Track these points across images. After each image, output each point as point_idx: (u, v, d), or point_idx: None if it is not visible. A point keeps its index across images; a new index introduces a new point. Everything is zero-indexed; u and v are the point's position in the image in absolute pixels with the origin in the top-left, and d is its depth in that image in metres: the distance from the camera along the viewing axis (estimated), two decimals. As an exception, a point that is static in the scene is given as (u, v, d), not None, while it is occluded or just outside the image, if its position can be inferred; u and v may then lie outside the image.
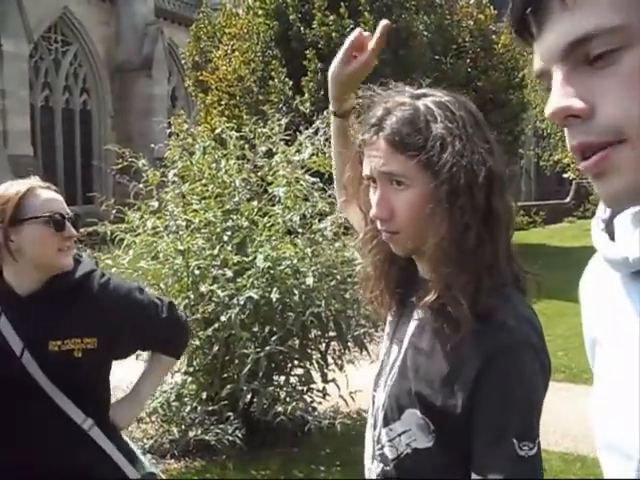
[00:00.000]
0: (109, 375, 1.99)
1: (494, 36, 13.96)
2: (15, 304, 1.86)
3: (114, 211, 5.09)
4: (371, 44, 1.39)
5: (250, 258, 4.45)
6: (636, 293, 0.72)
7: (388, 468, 1.28)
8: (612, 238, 0.75)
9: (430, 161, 1.16)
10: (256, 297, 4.24)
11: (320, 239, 4.64)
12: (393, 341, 1.35)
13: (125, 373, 2.69)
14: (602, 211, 0.78)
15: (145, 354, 3.51)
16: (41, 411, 1.81)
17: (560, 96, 0.62)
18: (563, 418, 4.29)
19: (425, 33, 11.94)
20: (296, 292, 4.38)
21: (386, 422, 1.28)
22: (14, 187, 1.85)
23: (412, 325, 1.29)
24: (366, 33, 1.41)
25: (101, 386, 1.95)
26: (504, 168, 1.25)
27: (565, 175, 23.01)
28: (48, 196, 1.86)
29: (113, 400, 2.01)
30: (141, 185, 5.01)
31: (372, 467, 1.33)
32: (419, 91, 1.25)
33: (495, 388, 1.14)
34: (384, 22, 1.37)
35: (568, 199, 25.09)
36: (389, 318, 1.40)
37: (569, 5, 0.60)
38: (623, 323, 0.73)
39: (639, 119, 0.58)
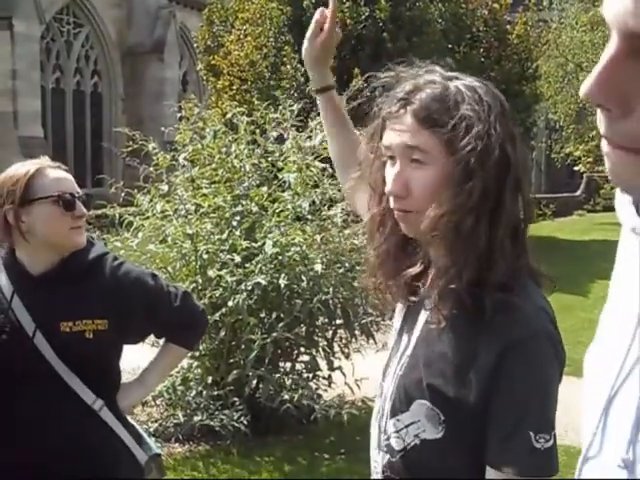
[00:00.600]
0: (120, 358, 2.00)
1: (508, 26, 13.84)
2: (27, 285, 1.87)
3: (123, 194, 5.08)
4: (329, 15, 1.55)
5: (259, 244, 4.43)
6: None
7: (394, 459, 1.26)
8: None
9: (453, 141, 1.15)
10: (264, 283, 4.22)
11: (329, 226, 4.61)
12: (403, 331, 1.33)
13: (141, 359, 2.67)
14: None
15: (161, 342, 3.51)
16: (52, 391, 1.82)
17: (601, 78, 0.57)
18: (568, 411, 4.24)
19: (439, 21, 11.85)
20: (304, 279, 4.36)
21: (394, 413, 1.27)
22: (24, 168, 1.86)
23: (423, 314, 1.27)
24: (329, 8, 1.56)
25: (112, 368, 1.96)
26: (524, 161, 1.23)
27: (576, 168, 22.90)
28: (57, 175, 1.87)
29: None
30: (151, 168, 4.98)
31: (378, 458, 1.31)
32: (449, 73, 1.24)
33: (512, 380, 1.13)
34: None
35: (579, 192, 24.95)
36: (398, 307, 1.38)
37: None
38: (633, 285, 0.73)
39: None
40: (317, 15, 1.58)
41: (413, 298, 1.31)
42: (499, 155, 1.15)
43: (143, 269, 2.07)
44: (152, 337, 2.28)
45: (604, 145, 0.61)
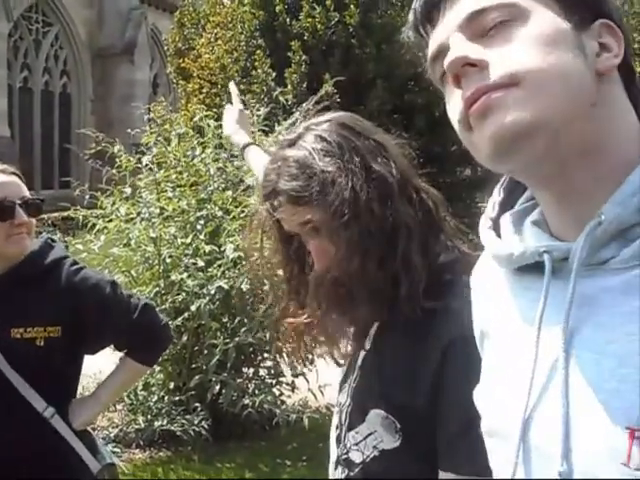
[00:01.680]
0: (77, 365, 1.95)
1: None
2: None
3: (88, 197, 5.02)
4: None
5: (222, 248, 4.40)
6: (520, 288, 0.75)
7: (352, 473, 1.25)
8: (499, 236, 0.78)
9: (325, 202, 1.17)
10: (226, 287, 4.19)
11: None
12: (354, 345, 1.32)
13: (104, 362, 2.63)
14: (490, 210, 0.81)
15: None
16: (2, 397, 1.78)
17: (458, 49, 0.68)
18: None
19: (410, 28, 11.90)
20: (267, 283, 4.33)
21: (351, 426, 1.26)
22: None
23: (373, 327, 1.27)
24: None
25: (66, 376, 1.91)
26: (408, 159, 1.26)
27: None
28: None
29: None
30: (114, 171, 4.93)
31: (336, 473, 1.30)
32: (294, 134, 1.26)
33: (456, 380, 1.12)
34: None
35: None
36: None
37: None
38: (508, 316, 0.76)
39: (530, 64, 0.65)
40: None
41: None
42: (369, 178, 1.17)
43: (102, 276, 2.00)
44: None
45: (477, 109, 0.66)
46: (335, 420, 1.34)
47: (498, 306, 0.79)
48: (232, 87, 2.19)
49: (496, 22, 0.68)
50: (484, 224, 0.80)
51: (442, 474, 1.14)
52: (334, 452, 1.32)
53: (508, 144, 0.66)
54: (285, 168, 1.22)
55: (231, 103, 2.10)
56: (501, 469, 0.76)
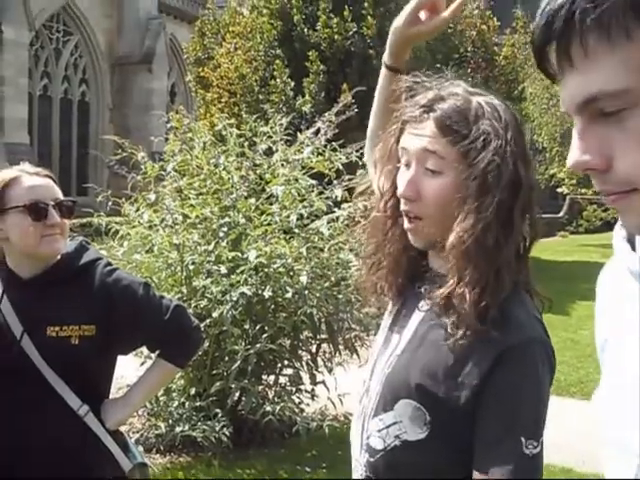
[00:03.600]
0: (112, 366, 1.98)
1: (496, 48, 13.99)
2: (17, 287, 1.87)
3: (110, 203, 5.07)
4: (447, 11, 1.41)
5: (245, 255, 4.44)
6: None
7: (373, 460, 1.27)
8: (633, 248, 0.78)
9: (470, 153, 1.18)
10: (249, 294, 4.22)
11: (315, 238, 4.62)
12: (393, 330, 1.34)
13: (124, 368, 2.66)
14: None
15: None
16: (38, 394, 1.81)
17: (579, 149, 0.66)
18: (548, 430, 4.30)
19: (427, 40, 11.95)
20: (289, 291, 4.37)
21: (377, 412, 1.27)
22: (1, 175, 1.86)
23: (416, 316, 1.29)
24: None
25: (100, 375, 1.94)
26: (534, 182, 1.26)
27: (559, 190, 23.06)
28: (33, 183, 1.85)
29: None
30: (138, 177, 4.98)
31: (359, 458, 1.31)
32: (473, 89, 1.27)
33: (506, 385, 1.15)
34: None
35: (561, 214, 25.14)
36: (389, 308, 1.40)
37: (577, 67, 0.63)
38: (632, 330, 0.75)
39: None
40: None
41: (405, 299, 1.34)
42: (512, 173, 1.18)
43: (135, 278, 2.02)
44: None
45: (607, 200, 0.68)
46: (361, 404, 1.35)
47: (625, 319, 0.79)
48: None
49: (611, 110, 0.63)
50: (619, 233, 0.80)
51: (476, 474, 1.16)
52: (357, 436, 1.33)
53: None
54: (452, 99, 1.22)
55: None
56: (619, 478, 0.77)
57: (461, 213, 1.18)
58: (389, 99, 1.44)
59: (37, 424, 1.81)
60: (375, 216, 1.35)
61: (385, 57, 1.49)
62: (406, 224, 1.26)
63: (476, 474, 1.16)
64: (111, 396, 2.01)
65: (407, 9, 1.41)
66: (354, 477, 1.34)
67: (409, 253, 1.32)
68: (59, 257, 1.88)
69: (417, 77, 1.31)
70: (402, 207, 1.25)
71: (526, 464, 1.13)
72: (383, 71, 1.51)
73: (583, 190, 21.67)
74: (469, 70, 13.15)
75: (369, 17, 11.02)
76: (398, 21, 1.43)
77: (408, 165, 1.24)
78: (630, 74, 0.60)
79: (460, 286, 1.17)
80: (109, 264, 1.94)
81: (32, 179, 1.85)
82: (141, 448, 3.62)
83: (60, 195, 1.89)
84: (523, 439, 1.12)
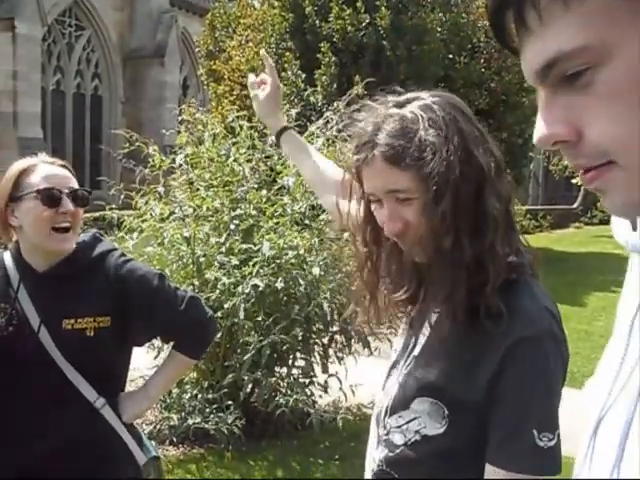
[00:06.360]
0: (127, 358, 1.98)
1: (509, 37, 13.86)
2: (33, 280, 1.86)
3: (122, 196, 5.07)
4: (266, 76, 1.76)
5: (257, 247, 4.43)
6: None
7: (392, 454, 1.28)
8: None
9: (424, 168, 1.17)
10: (261, 285, 4.21)
11: (327, 230, 4.61)
12: (410, 332, 1.35)
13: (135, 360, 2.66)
14: None
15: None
16: (54, 385, 1.81)
17: (545, 122, 0.62)
18: (562, 422, 4.28)
19: (440, 31, 11.89)
20: (302, 282, 4.36)
21: (394, 410, 1.29)
22: (19, 164, 1.87)
23: (432, 316, 1.29)
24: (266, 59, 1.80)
25: (116, 367, 1.95)
26: (499, 158, 1.25)
27: (573, 181, 22.91)
28: (48, 172, 1.85)
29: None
30: (147, 170, 4.98)
31: (375, 454, 1.33)
32: (402, 98, 1.26)
33: (517, 379, 1.14)
34: (263, 54, 1.82)
35: (576, 205, 25.00)
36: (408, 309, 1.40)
37: (533, 31, 0.59)
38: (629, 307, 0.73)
39: (622, 139, 0.58)
40: (251, 79, 1.81)
41: (421, 301, 1.33)
42: (468, 163, 1.17)
43: (150, 268, 2.01)
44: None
45: (584, 180, 0.63)
46: (379, 403, 1.36)
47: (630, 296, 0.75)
48: (264, 55, 1.85)
49: (572, 72, 0.58)
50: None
51: (489, 469, 1.16)
52: (374, 433, 1.35)
53: (627, 216, 0.66)
54: (388, 124, 1.21)
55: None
56: (578, 467, 0.74)
57: (428, 226, 1.19)
58: (299, 154, 1.72)
59: (54, 417, 1.82)
60: (358, 254, 1.37)
61: (271, 131, 1.79)
62: (401, 246, 1.27)
63: (488, 468, 1.16)
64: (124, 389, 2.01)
65: (252, 93, 1.79)
66: (366, 476, 1.36)
67: (409, 260, 1.32)
68: (73, 249, 1.87)
69: (350, 114, 1.32)
70: (395, 239, 1.26)
71: (541, 457, 1.13)
72: (280, 140, 1.77)
73: (597, 181, 21.47)
74: (482, 60, 13.07)
75: (382, 8, 10.97)
76: (254, 102, 1.79)
77: (380, 203, 1.25)
78: (588, 30, 0.56)
79: (447, 293, 1.18)
80: (123, 255, 1.94)
81: (48, 168, 1.86)
82: (154, 442, 3.61)
83: (75, 185, 1.88)
84: (535, 432, 1.12)
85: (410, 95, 1.26)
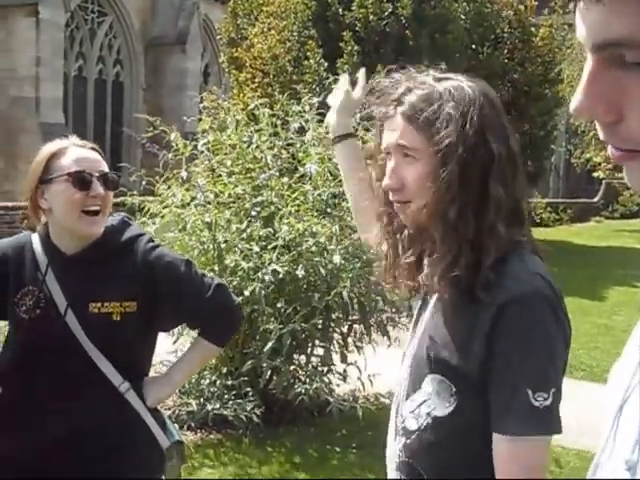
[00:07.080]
0: (152, 343, 1.99)
1: (533, 28, 13.73)
2: (61, 263, 1.87)
3: (143, 182, 5.08)
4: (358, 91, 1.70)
5: (277, 234, 4.43)
6: None
7: (409, 441, 1.29)
8: None
9: (436, 136, 1.24)
10: (281, 271, 4.21)
11: (348, 218, 4.59)
12: (419, 317, 1.39)
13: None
14: None
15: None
16: (80, 369, 1.82)
17: (586, 93, 0.58)
18: (580, 416, 4.25)
19: (463, 20, 11.79)
20: (322, 271, 4.35)
21: (408, 394, 1.31)
22: (50, 147, 1.87)
23: (433, 297, 1.34)
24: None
25: (141, 351, 1.95)
26: (513, 151, 1.29)
27: (595, 174, 22.71)
28: (79, 155, 1.85)
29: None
30: (170, 155, 4.98)
31: (394, 444, 1.34)
32: (442, 75, 1.33)
33: (507, 340, 1.16)
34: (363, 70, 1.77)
35: (597, 198, 24.76)
36: (419, 296, 1.43)
37: (604, 2, 0.53)
38: None
39: None
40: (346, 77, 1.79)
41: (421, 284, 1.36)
42: (480, 145, 1.23)
43: (178, 255, 2.02)
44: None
45: (611, 153, 0.61)
46: (396, 393, 1.39)
47: None
48: (362, 73, 1.79)
49: (636, 61, 0.55)
50: None
51: (495, 436, 1.17)
52: (392, 423, 1.37)
53: None
54: (418, 90, 1.29)
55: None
56: (601, 447, 0.74)
57: (433, 192, 1.25)
58: (352, 168, 1.65)
59: (79, 401, 1.82)
60: (378, 212, 1.43)
61: (335, 130, 1.68)
62: (395, 207, 1.34)
63: (495, 438, 1.17)
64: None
65: (346, 93, 1.70)
66: (389, 469, 1.37)
67: (416, 239, 1.36)
68: (102, 232, 1.87)
69: (390, 77, 1.38)
70: (390, 197, 1.34)
71: (537, 416, 1.14)
72: (337, 146, 1.69)
73: (619, 175, 21.31)
74: (505, 51, 12.96)
75: (405, -3, 10.89)
76: (341, 102, 1.69)
77: (390, 156, 1.33)
78: None
79: (447, 262, 1.23)
80: (152, 240, 1.94)
81: (79, 151, 1.86)
82: (177, 426, 3.63)
83: (106, 168, 1.89)
84: (530, 391, 1.13)
85: (450, 75, 1.33)
